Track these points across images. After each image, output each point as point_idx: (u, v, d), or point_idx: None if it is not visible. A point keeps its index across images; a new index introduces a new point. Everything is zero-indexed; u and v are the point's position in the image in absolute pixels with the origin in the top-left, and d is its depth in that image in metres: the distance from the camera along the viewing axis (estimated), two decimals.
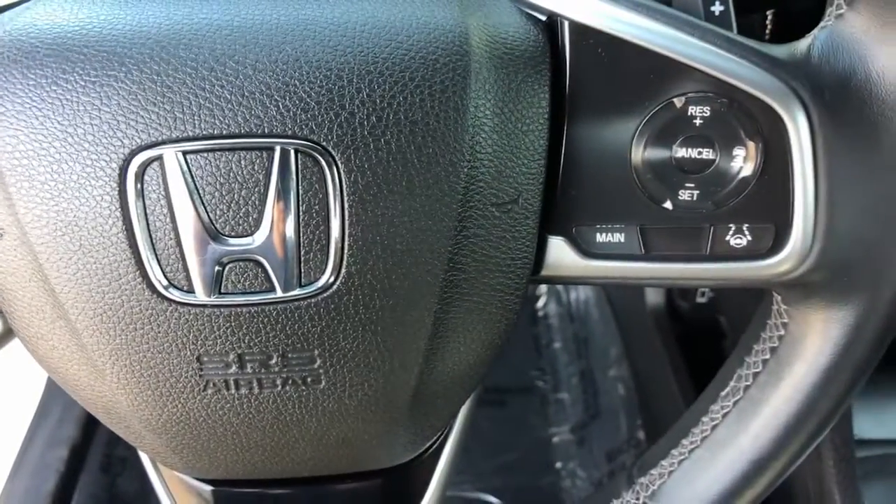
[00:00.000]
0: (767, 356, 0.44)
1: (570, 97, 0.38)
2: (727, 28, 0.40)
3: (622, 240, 0.40)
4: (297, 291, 0.36)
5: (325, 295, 0.36)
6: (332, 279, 0.36)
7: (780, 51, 0.38)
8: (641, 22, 0.37)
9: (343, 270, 0.35)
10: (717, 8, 0.42)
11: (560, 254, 0.40)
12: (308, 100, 0.34)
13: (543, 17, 0.38)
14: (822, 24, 0.38)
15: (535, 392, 1.32)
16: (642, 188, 0.39)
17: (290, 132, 0.34)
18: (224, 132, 0.34)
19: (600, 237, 0.40)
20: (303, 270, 0.35)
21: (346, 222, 0.35)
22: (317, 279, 0.36)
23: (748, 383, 0.44)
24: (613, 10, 0.37)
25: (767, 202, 0.38)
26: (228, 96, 0.34)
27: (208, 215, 0.34)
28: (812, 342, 0.42)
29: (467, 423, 0.55)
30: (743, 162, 0.38)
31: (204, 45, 0.34)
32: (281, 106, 0.34)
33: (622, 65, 0.37)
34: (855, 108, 0.37)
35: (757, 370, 0.44)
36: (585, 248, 0.40)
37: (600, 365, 1.32)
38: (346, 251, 0.35)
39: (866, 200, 0.38)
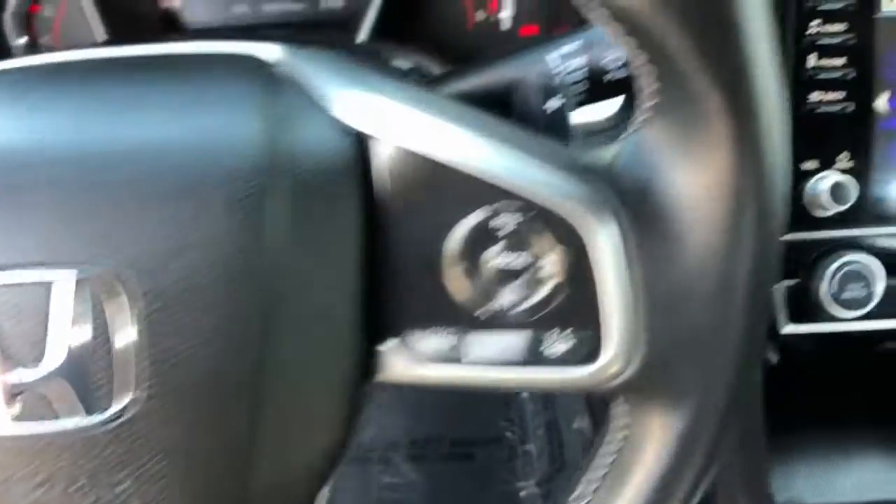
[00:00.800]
0: (614, 458, 0.43)
1: (381, 208, 0.38)
2: (561, 123, 0.40)
3: (447, 345, 0.39)
4: (96, 417, 0.35)
5: (126, 417, 0.35)
6: (132, 400, 0.35)
7: (588, 157, 0.37)
8: (448, 141, 0.37)
9: (144, 392, 0.35)
10: (552, 104, 0.42)
11: (393, 359, 0.40)
12: (102, 224, 0.34)
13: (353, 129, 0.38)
14: (631, 129, 0.37)
15: (504, 443, 1.30)
16: (459, 295, 0.38)
17: (83, 258, 0.34)
18: (9, 263, 0.34)
19: (427, 342, 0.39)
20: (103, 394, 0.35)
21: (146, 343, 0.35)
22: (118, 402, 0.35)
23: (596, 486, 0.43)
24: (419, 129, 0.37)
25: (584, 308, 0.38)
26: (15, 227, 0.34)
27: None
28: (651, 448, 0.40)
29: None
30: (555, 268, 0.37)
31: None
32: (73, 231, 0.34)
33: (430, 179, 0.37)
34: (658, 218, 0.36)
35: (605, 471, 0.43)
36: (416, 353, 0.40)
37: (565, 416, 1.30)
38: (147, 372, 0.35)
39: (681, 306, 0.37)
